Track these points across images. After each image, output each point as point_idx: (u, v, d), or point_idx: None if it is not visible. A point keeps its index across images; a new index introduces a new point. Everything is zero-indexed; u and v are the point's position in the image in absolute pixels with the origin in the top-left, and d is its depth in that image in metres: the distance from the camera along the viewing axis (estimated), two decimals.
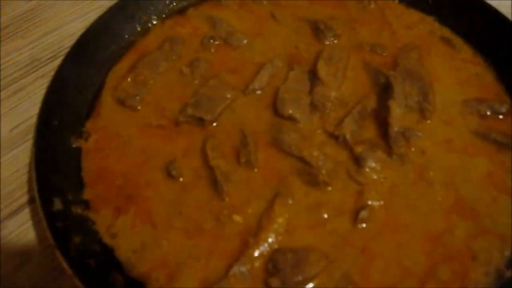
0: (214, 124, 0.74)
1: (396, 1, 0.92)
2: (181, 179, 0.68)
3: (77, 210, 0.65)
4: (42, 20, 0.99)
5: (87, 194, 0.68)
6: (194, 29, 0.88)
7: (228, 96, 0.76)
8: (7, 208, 0.73)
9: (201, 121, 0.74)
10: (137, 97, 0.77)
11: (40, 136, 0.69)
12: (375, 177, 0.68)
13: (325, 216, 0.65)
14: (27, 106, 0.84)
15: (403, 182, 0.68)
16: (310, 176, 0.68)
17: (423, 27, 0.88)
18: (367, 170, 0.68)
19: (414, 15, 0.90)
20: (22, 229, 0.71)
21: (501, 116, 0.75)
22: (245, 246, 0.61)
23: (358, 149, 0.69)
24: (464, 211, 0.65)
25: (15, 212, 0.72)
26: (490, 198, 0.67)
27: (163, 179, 0.69)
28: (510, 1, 0.83)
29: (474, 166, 0.70)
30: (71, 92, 0.76)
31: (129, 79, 0.79)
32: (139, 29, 0.88)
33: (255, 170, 0.69)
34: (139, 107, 0.77)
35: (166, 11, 0.91)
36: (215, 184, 0.67)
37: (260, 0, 0.93)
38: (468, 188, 0.67)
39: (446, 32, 0.87)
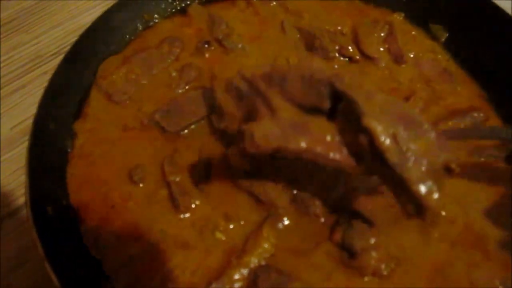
0: (186, 131, 0.72)
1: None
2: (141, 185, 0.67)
3: (68, 218, 0.65)
4: (47, 14, 0.98)
5: (75, 202, 0.66)
6: (196, 30, 0.85)
7: (200, 113, 0.72)
8: (6, 208, 0.73)
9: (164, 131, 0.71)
10: (125, 95, 0.75)
11: (36, 140, 0.67)
12: (373, 256, 0.59)
13: (315, 246, 0.61)
14: (28, 104, 0.84)
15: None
16: (303, 205, 0.63)
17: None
18: (361, 253, 0.59)
19: None
20: (20, 230, 0.71)
21: None
22: (227, 265, 0.60)
23: (337, 237, 0.60)
24: (469, 240, 0.62)
25: (14, 213, 0.73)
26: None
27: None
28: (510, 1, 0.79)
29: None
30: (68, 95, 0.75)
31: (120, 73, 0.77)
32: (140, 28, 0.86)
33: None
34: (124, 105, 0.75)
35: (169, 9, 0.89)
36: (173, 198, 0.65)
37: (269, 0, 0.89)
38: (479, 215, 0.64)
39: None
